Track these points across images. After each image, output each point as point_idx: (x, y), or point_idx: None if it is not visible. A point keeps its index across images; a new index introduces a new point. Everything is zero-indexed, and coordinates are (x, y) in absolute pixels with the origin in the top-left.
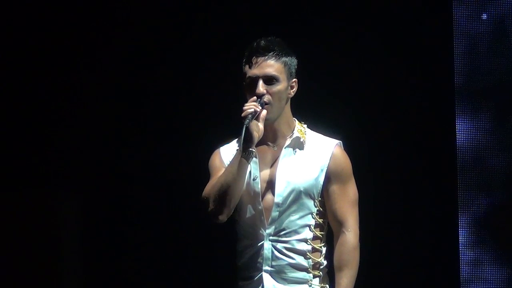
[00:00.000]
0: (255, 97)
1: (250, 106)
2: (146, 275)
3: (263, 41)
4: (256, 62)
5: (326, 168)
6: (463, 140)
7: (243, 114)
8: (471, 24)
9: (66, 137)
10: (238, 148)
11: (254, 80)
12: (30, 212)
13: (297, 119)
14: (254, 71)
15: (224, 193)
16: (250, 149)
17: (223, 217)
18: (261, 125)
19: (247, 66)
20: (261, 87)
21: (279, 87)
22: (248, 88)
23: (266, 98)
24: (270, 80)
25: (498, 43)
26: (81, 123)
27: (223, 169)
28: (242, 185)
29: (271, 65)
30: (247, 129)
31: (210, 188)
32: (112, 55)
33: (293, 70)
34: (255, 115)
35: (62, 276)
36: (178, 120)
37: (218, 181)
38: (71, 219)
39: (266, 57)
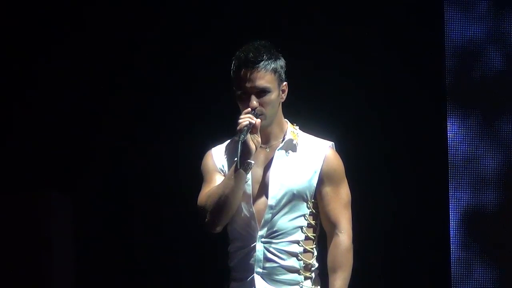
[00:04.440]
0: (249, 109)
1: (245, 119)
2: (138, 277)
3: (251, 53)
4: (246, 76)
5: (319, 170)
6: (454, 141)
7: (238, 128)
8: (463, 26)
9: (56, 138)
10: (235, 159)
11: (245, 93)
12: (21, 214)
13: (289, 121)
14: (245, 85)
15: (222, 206)
16: (249, 160)
17: (219, 228)
18: (258, 137)
19: (237, 79)
20: (254, 101)
21: (271, 97)
22: (239, 100)
23: (259, 110)
24: (262, 92)
25: (490, 44)
26: (71, 125)
27: (216, 172)
28: (240, 196)
29: (261, 77)
30: (244, 143)
31: (206, 198)
32: (102, 54)
33: (283, 74)
34: (251, 128)
35: (53, 279)
36: (170, 122)
37: (216, 193)
38: (62, 222)
39: (256, 69)
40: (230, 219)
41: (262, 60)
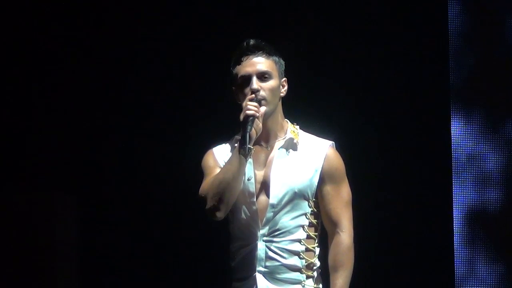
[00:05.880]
0: (252, 96)
1: (251, 107)
2: (141, 276)
3: (252, 40)
4: (248, 61)
5: (320, 169)
6: (458, 141)
7: (244, 114)
8: (466, 25)
9: (60, 137)
10: (236, 145)
11: (247, 78)
12: (25, 213)
13: (289, 120)
14: (246, 69)
15: (222, 190)
16: (248, 146)
17: (221, 215)
18: (259, 123)
19: (238, 66)
20: (255, 83)
21: (272, 83)
22: (241, 87)
23: (262, 94)
24: (263, 76)
25: (493, 43)
26: (76, 124)
27: (218, 168)
28: (240, 182)
29: (262, 62)
30: (248, 133)
31: (208, 185)
32: (106, 55)
33: (282, 70)
34: (255, 120)
35: (57, 278)
36: (174, 121)
37: (217, 178)
38: (66, 221)
39: (257, 54)
40: (231, 207)
41: (263, 49)
